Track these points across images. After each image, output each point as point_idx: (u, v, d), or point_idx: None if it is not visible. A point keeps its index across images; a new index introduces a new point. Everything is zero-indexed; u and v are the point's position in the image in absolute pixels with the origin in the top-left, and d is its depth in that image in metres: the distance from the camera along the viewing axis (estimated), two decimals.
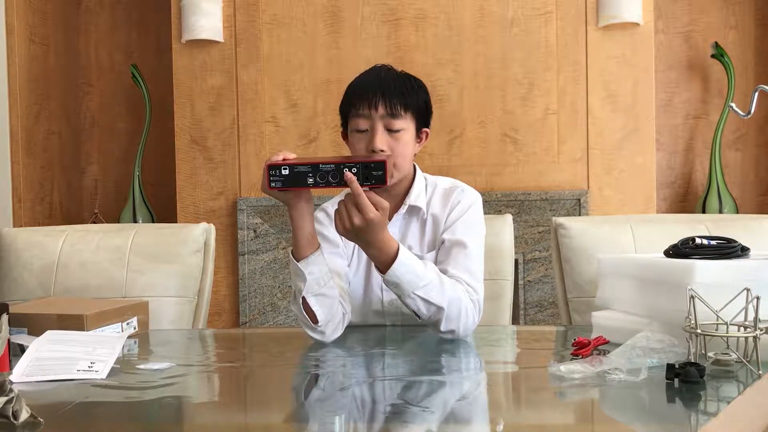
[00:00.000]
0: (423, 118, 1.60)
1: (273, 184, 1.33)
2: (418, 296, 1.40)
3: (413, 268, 1.39)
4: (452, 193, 1.62)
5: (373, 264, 1.59)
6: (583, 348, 1.26)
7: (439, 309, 1.41)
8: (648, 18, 3.07)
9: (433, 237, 1.61)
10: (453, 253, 1.54)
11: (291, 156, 1.35)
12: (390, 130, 1.52)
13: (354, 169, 1.31)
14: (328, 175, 1.31)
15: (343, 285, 1.55)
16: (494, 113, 3.14)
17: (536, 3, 3.12)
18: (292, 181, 1.32)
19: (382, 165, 1.31)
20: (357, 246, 1.61)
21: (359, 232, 1.33)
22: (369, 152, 1.51)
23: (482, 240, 1.60)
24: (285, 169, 1.32)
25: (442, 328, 1.44)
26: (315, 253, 1.42)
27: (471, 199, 1.62)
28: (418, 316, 1.44)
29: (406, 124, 1.54)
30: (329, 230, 1.61)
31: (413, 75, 1.61)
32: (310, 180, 1.32)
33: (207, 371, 1.31)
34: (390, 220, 1.60)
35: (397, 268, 1.37)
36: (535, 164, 3.13)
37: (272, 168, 1.32)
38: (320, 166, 1.31)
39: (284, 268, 3.18)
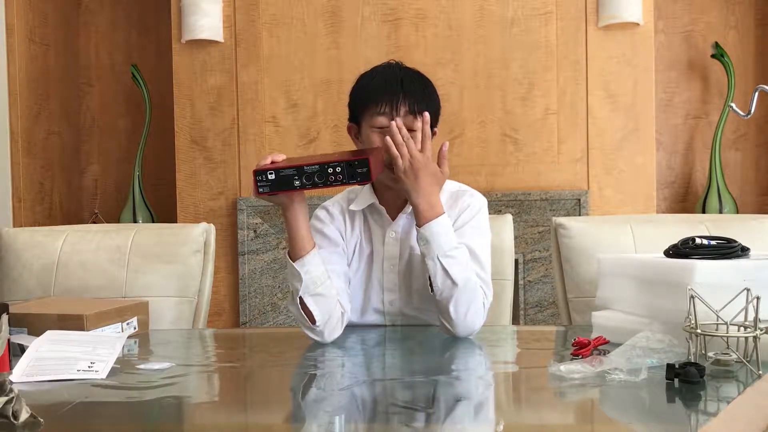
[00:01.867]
0: (435, 119, 1.61)
1: (261, 190, 1.34)
2: (440, 263, 1.42)
3: (448, 234, 1.44)
4: (461, 196, 1.61)
5: (374, 262, 1.60)
6: (583, 348, 1.26)
7: (454, 285, 1.43)
8: (648, 18, 3.07)
9: None
10: None
11: (279, 158, 1.36)
12: (409, 130, 1.52)
13: (338, 168, 1.32)
14: (314, 176, 1.33)
15: (343, 284, 1.55)
16: (494, 113, 3.15)
17: (536, 3, 3.12)
18: (279, 184, 1.34)
19: (365, 162, 1.33)
20: (358, 245, 1.61)
21: (421, 165, 1.44)
22: None
23: (489, 245, 1.61)
24: (271, 173, 1.33)
25: (451, 309, 1.44)
26: (311, 252, 1.42)
27: (480, 203, 1.61)
28: (432, 289, 1.45)
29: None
30: (330, 229, 1.60)
31: (426, 76, 1.62)
32: (297, 182, 1.33)
33: (207, 371, 1.31)
34: (394, 219, 1.60)
35: (435, 225, 1.43)
36: (535, 164, 3.13)
37: (258, 173, 1.33)
38: (305, 168, 1.32)
39: (284, 268, 3.18)
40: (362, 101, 1.56)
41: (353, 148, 1.60)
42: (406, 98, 1.52)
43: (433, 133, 1.63)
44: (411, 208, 1.59)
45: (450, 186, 1.65)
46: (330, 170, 1.32)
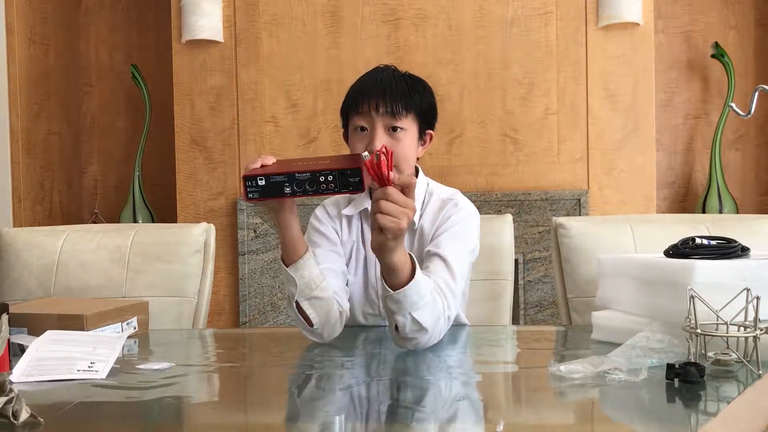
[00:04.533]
0: (427, 120, 1.56)
1: (250, 195, 1.30)
2: (412, 316, 1.29)
3: (420, 288, 1.29)
4: (446, 204, 1.55)
5: (369, 268, 1.58)
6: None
7: (422, 330, 1.31)
8: (648, 18, 3.07)
9: (421, 250, 1.53)
10: (431, 267, 1.43)
11: (269, 160, 1.33)
12: (391, 129, 1.49)
13: (330, 177, 1.28)
14: (305, 183, 1.28)
15: (342, 283, 1.54)
16: (494, 113, 3.15)
17: (536, 3, 3.12)
18: (269, 191, 1.30)
19: (358, 171, 1.27)
20: (354, 248, 1.60)
21: (402, 232, 1.22)
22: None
23: (467, 256, 1.51)
24: (261, 179, 1.30)
25: (416, 345, 1.34)
26: (304, 256, 1.40)
27: (463, 214, 1.53)
28: (397, 330, 1.32)
29: (407, 124, 1.50)
30: (327, 228, 1.60)
31: (418, 77, 1.57)
32: (287, 189, 1.29)
33: (207, 371, 1.31)
34: None
35: (410, 288, 1.27)
36: (535, 164, 3.13)
37: (248, 179, 1.30)
38: (296, 175, 1.28)
39: None
40: (346, 106, 1.55)
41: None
42: (384, 98, 1.48)
43: (429, 137, 1.59)
44: None
45: (442, 192, 1.59)
46: (321, 179, 1.27)
